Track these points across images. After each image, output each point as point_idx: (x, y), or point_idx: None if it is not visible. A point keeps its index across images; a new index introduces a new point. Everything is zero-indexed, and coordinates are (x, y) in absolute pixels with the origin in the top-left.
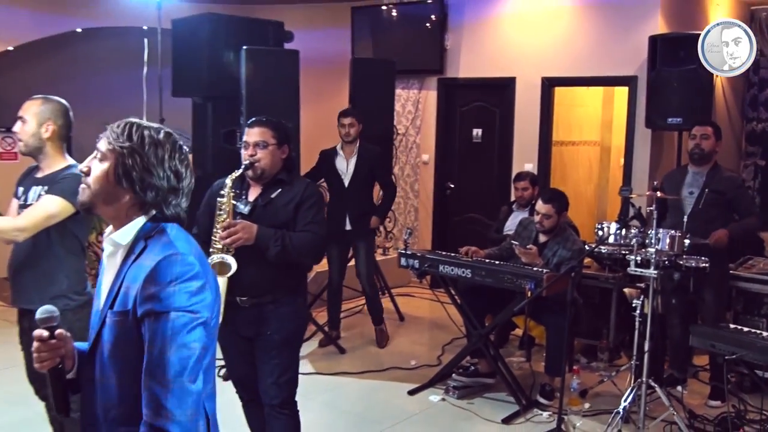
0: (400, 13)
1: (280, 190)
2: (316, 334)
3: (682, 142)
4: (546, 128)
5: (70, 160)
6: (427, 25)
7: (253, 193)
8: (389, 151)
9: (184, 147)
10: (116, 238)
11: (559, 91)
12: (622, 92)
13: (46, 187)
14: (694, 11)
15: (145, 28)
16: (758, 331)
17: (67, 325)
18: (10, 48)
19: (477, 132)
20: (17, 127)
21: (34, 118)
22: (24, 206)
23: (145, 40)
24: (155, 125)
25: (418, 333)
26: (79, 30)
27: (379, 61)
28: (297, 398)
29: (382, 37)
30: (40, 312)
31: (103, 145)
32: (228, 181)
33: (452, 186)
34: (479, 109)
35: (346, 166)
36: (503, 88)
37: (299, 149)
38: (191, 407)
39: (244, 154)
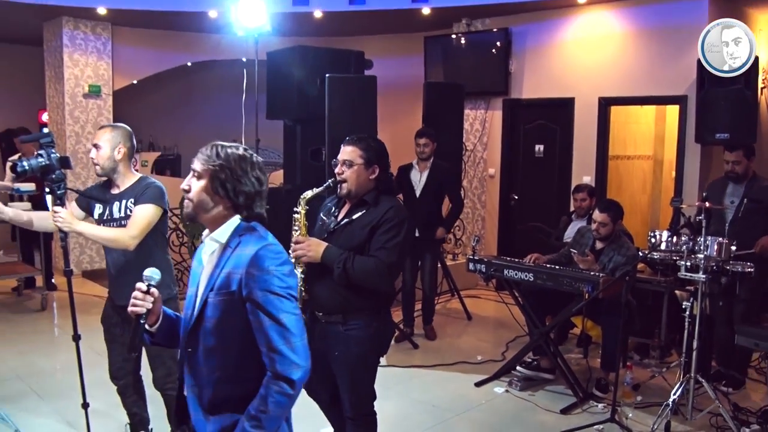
0: (469, 41)
1: (363, 211)
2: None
3: None
4: (603, 144)
5: (138, 174)
6: (493, 51)
7: (343, 212)
8: (459, 167)
9: (260, 159)
10: (216, 237)
11: (615, 110)
12: (673, 109)
13: (132, 199)
14: None
15: (244, 60)
16: None
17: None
18: (135, 82)
19: (539, 148)
20: (93, 153)
21: (107, 144)
22: (109, 219)
23: (244, 71)
24: (234, 144)
25: (484, 331)
26: (189, 64)
27: (449, 84)
28: (376, 389)
29: (452, 63)
30: (147, 271)
31: (198, 165)
32: (302, 197)
33: (516, 197)
34: (541, 126)
35: (419, 179)
36: (563, 107)
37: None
38: (306, 358)
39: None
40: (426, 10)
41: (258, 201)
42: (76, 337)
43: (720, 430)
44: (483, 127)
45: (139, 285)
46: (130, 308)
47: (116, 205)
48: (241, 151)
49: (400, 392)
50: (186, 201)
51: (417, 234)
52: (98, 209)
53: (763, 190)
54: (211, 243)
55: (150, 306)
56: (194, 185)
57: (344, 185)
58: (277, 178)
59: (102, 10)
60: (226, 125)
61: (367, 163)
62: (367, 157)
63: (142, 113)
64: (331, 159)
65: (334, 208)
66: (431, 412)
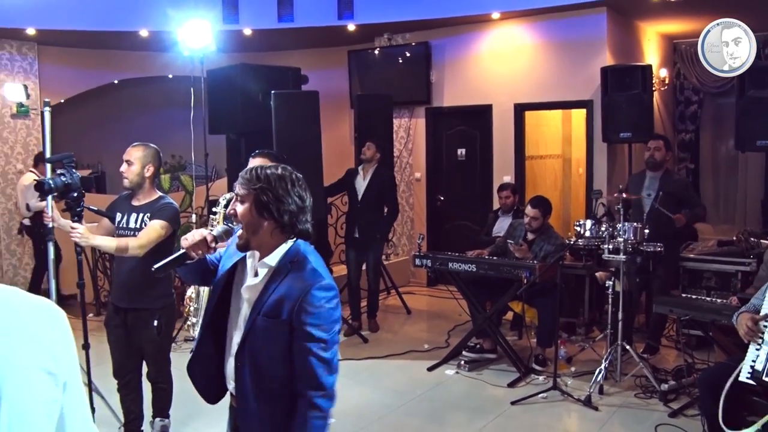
0: (391, 54)
1: None
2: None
3: (633, 152)
4: (519, 145)
5: (159, 192)
6: (414, 63)
7: None
8: (392, 173)
9: (299, 176)
10: (268, 261)
11: (528, 114)
12: (577, 113)
13: (148, 214)
14: (633, 46)
15: (170, 76)
16: (703, 297)
17: (166, 318)
18: (62, 101)
19: (461, 151)
20: (124, 168)
21: (138, 162)
22: (124, 228)
23: (191, 89)
24: (274, 165)
25: (425, 323)
26: (116, 82)
27: (379, 96)
28: (338, 379)
29: (375, 75)
30: (219, 228)
31: (241, 190)
32: (222, 197)
33: (442, 198)
34: (462, 132)
35: (362, 184)
36: (482, 114)
37: (321, 178)
38: (334, 389)
39: None
40: (351, 27)
41: (302, 217)
42: (86, 346)
43: (644, 389)
44: (408, 134)
45: (208, 236)
46: (184, 242)
47: (134, 216)
48: (279, 171)
49: (361, 381)
50: (235, 227)
51: (358, 235)
52: (118, 217)
53: (675, 183)
54: (263, 267)
55: (198, 256)
56: (239, 209)
57: None
58: (218, 188)
59: (31, 31)
60: (175, 139)
61: None
62: None
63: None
64: None
65: None
66: (393, 396)
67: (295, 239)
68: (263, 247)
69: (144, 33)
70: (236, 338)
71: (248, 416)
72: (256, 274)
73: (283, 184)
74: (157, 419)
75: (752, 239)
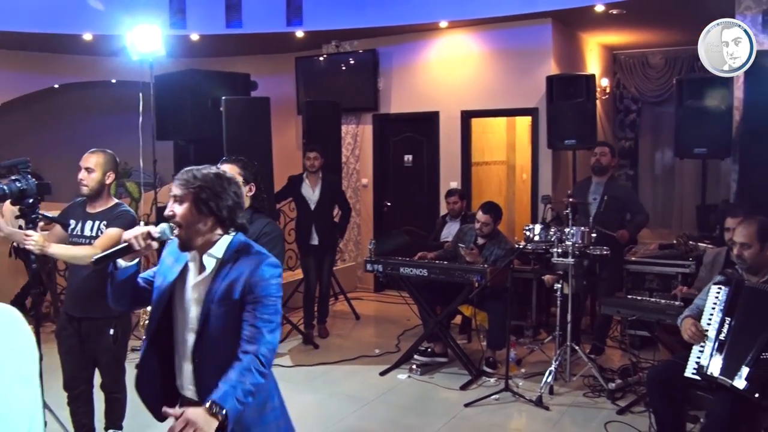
0: (338, 60)
1: None
2: (291, 332)
3: (576, 159)
4: (466, 152)
5: (115, 200)
6: (362, 70)
7: None
8: (341, 178)
9: (233, 176)
10: (214, 253)
11: (474, 121)
12: (522, 120)
13: (105, 222)
14: (576, 56)
15: (113, 81)
16: (648, 298)
17: (122, 327)
18: None
19: (408, 158)
20: (83, 175)
21: (100, 169)
22: (79, 236)
23: (140, 94)
24: (208, 166)
25: (374, 328)
26: (56, 86)
27: (328, 102)
28: (292, 386)
29: (322, 81)
30: (163, 225)
31: (178, 191)
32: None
33: (389, 204)
34: (409, 138)
35: (312, 193)
36: (429, 120)
37: (272, 185)
38: (273, 350)
39: None
40: (300, 33)
41: (239, 212)
42: (40, 358)
43: (592, 388)
44: (355, 140)
45: (150, 229)
46: (126, 235)
47: (89, 224)
48: (214, 171)
49: (315, 387)
50: (176, 231)
51: (317, 242)
52: (72, 224)
53: (619, 188)
54: (208, 259)
55: (141, 248)
56: (178, 209)
57: None
58: (167, 195)
59: None
60: (122, 145)
61: (245, 181)
62: (245, 175)
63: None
64: None
65: None
66: (348, 401)
67: (235, 233)
68: (205, 244)
69: (88, 36)
70: (190, 339)
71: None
72: (200, 272)
73: (219, 182)
74: (111, 431)
75: (691, 242)
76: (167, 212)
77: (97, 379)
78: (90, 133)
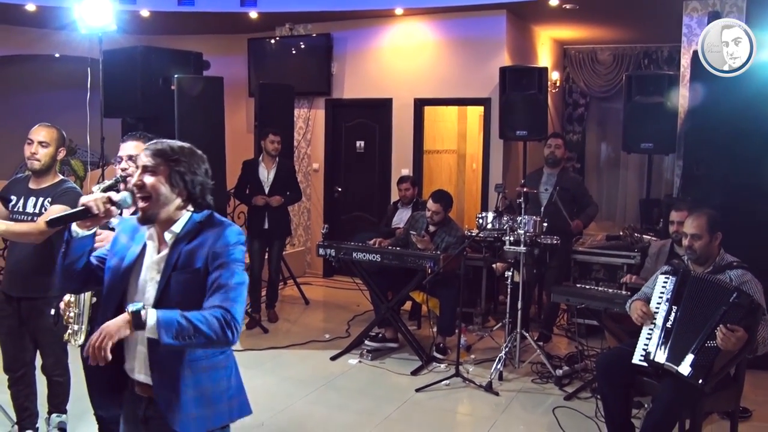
0: (291, 43)
1: None
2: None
3: (527, 150)
4: (418, 140)
5: (60, 176)
6: (315, 54)
7: None
8: (293, 162)
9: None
10: (174, 229)
11: (427, 110)
12: (473, 109)
13: (49, 198)
14: (528, 48)
15: (57, 55)
16: (596, 287)
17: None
18: None
19: (360, 144)
20: (35, 148)
21: (54, 143)
22: (21, 212)
23: (88, 69)
24: (180, 142)
25: (324, 313)
26: None
27: (281, 85)
28: (242, 370)
29: (275, 64)
30: (124, 193)
31: (150, 161)
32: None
33: (339, 190)
34: (361, 124)
35: (267, 176)
36: (382, 107)
37: (224, 166)
38: (242, 310)
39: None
40: (253, 14)
41: (209, 190)
42: None
43: (540, 374)
44: (307, 125)
45: (111, 195)
46: (84, 199)
47: (32, 200)
48: (188, 146)
49: (266, 371)
50: (141, 203)
51: (267, 226)
52: (13, 200)
53: (570, 180)
54: (169, 236)
55: (100, 212)
56: (149, 180)
57: (130, 180)
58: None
59: None
60: (69, 121)
61: None
62: None
63: None
64: None
65: None
66: (299, 386)
67: (193, 211)
68: (168, 220)
69: (31, 7)
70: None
71: (167, 385)
72: (159, 251)
73: (195, 158)
74: (54, 415)
75: (636, 234)
76: (136, 181)
77: (39, 361)
78: (32, 110)
